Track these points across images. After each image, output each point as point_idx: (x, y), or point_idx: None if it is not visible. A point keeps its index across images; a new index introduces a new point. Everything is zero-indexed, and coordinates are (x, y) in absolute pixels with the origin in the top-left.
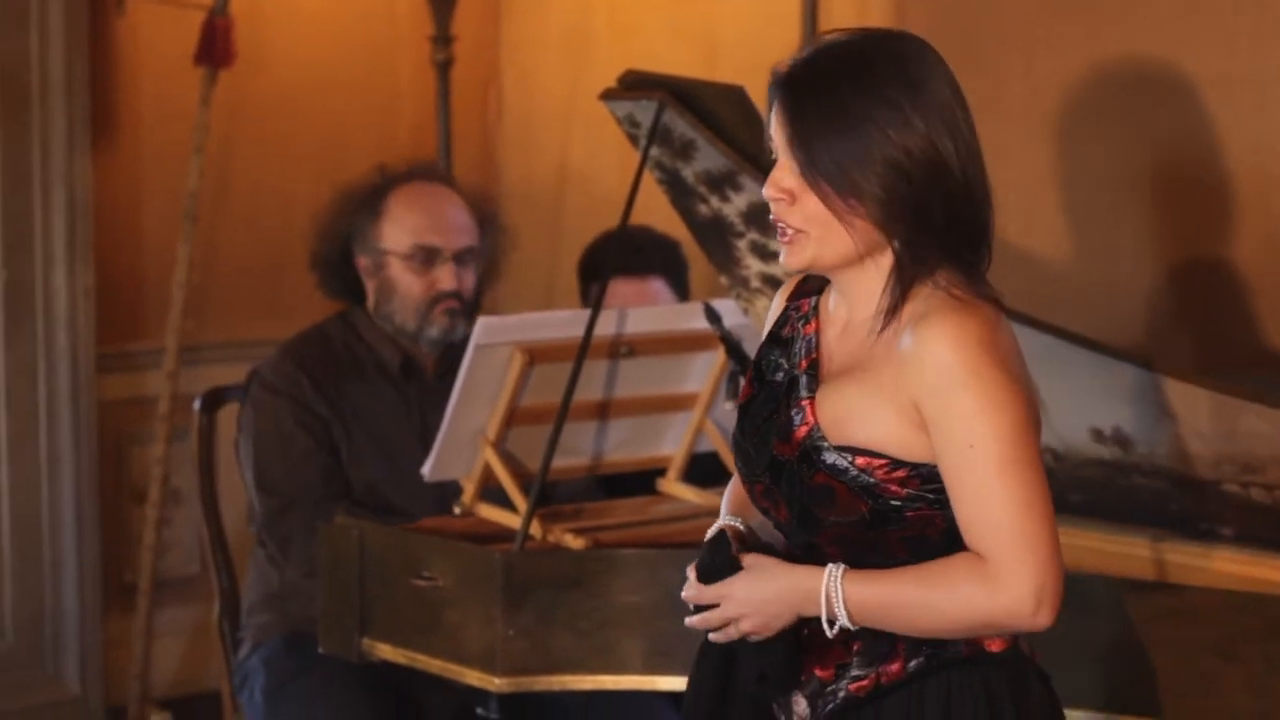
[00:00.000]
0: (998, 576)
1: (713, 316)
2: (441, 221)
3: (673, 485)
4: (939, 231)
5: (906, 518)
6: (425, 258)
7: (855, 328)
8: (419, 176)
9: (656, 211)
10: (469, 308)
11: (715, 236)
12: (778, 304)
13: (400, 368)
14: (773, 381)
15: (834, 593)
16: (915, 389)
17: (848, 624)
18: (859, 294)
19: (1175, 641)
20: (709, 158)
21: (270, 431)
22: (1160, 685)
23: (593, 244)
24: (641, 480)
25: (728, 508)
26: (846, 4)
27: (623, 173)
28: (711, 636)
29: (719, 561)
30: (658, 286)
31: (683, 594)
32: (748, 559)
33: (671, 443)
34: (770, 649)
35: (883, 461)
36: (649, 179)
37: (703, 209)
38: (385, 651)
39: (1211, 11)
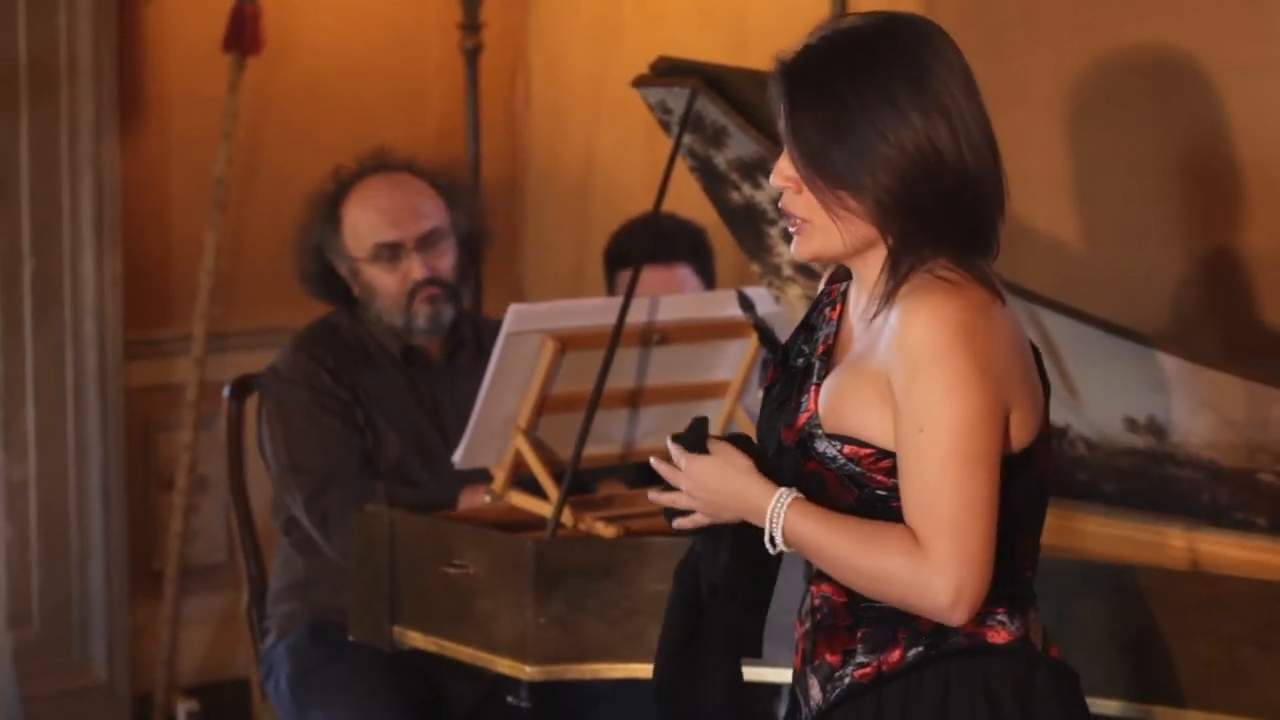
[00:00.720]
0: (924, 564)
1: (746, 304)
2: (395, 214)
3: None
4: (933, 227)
5: (893, 507)
6: (389, 254)
7: (865, 313)
8: (370, 171)
9: (685, 198)
10: (451, 290)
11: (747, 224)
12: (820, 292)
13: (403, 355)
14: (794, 367)
15: (776, 515)
16: (888, 364)
17: (783, 548)
18: (869, 279)
19: (1211, 631)
20: (741, 145)
21: (298, 419)
22: (1196, 675)
23: (617, 232)
24: None
25: None
26: None
27: (650, 160)
28: (666, 516)
29: (689, 439)
30: (684, 274)
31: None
32: (716, 446)
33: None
34: (715, 556)
35: (869, 451)
36: (680, 166)
37: (735, 196)
38: (416, 640)
39: None
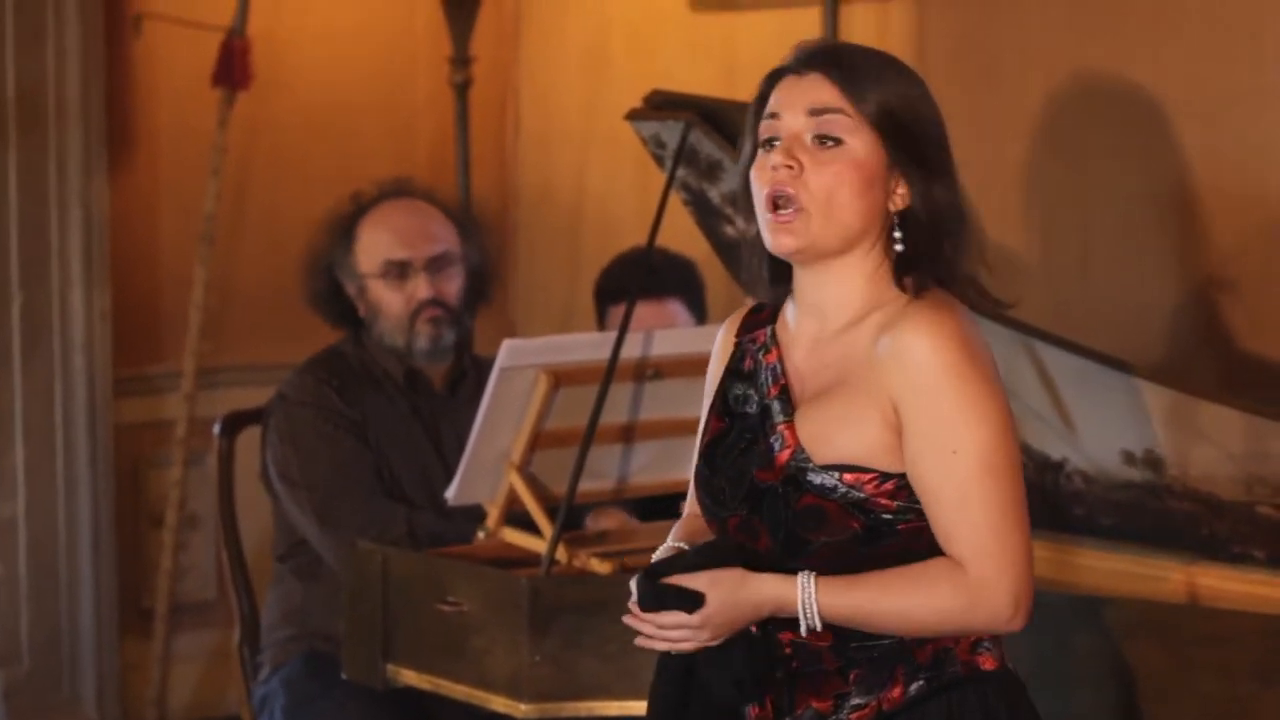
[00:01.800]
0: (979, 585)
1: None
2: (409, 235)
3: None
4: (941, 202)
5: (899, 531)
6: (398, 272)
7: (828, 341)
8: (390, 196)
9: (678, 231)
10: (455, 314)
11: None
12: (725, 340)
13: (405, 381)
14: (744, 414)
15: (809, 606)
16: (894, 389)
17: (816, 626)
18: (834, 297)
19: (1211, 665)
20: (735, 179)
21: (309, 438)
22: (1197, 710)
23: (608, 266)
24: (668, 504)
25: (675, 536)
26: (867, 25)
27: (641, 192)
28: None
29: (672, 598)
30: (675, 308)
31: (649, 630)
32: (708, 582)
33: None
34: (734, 653)
35: (871, 475)
36: (673, 199)
37: (729, 230)
38: (410, 677)
39: (1238, 28)
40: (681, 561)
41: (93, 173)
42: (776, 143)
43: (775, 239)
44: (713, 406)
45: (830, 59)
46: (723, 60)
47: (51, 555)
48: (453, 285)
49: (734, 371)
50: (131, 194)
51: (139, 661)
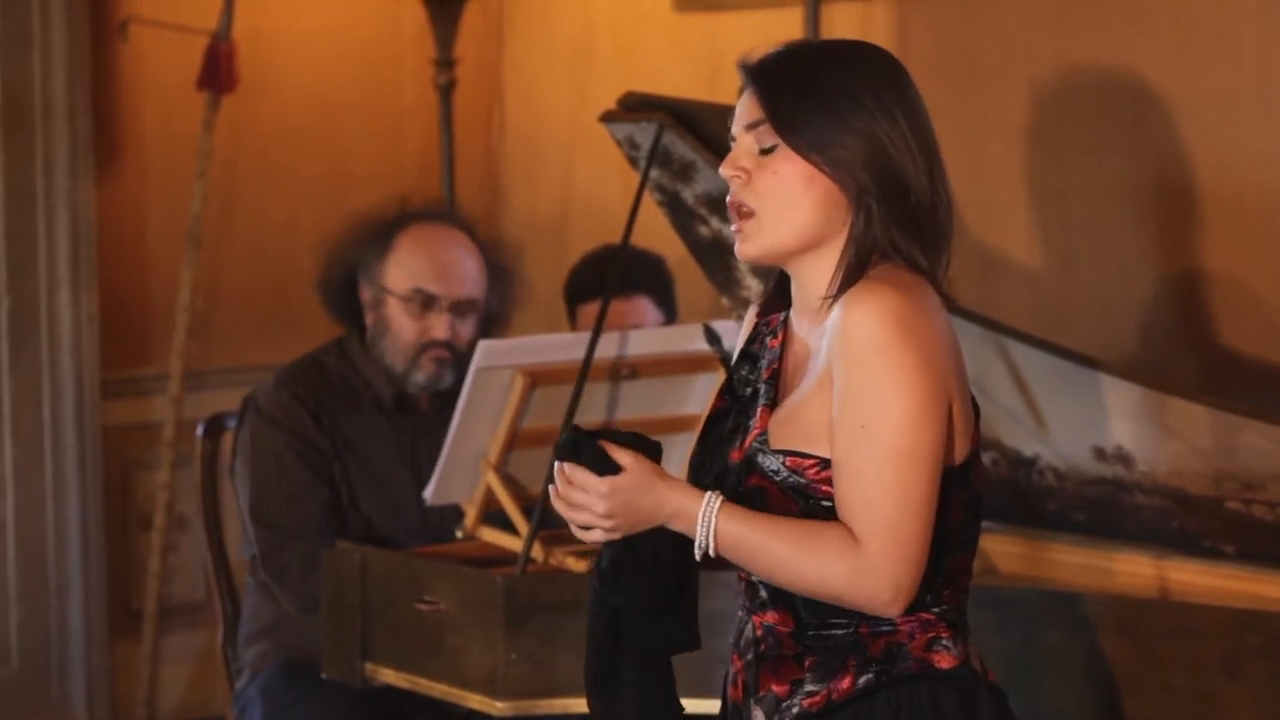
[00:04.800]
0: (864, 562)
1: (712, 338)
2: (445, 269)
3: None
4: (897, 215)
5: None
6: (423, 303)
7: (815, 330)
8: (435, 218)
9: (655, 231)
10: (460, 358)
11: (716, 258)
12: (749, 321)
13: (393, 401)
14: (743, 396)
15: (707, 519)
16: (831, 359)
17: (712, 554)
18: (813, 290)
19: (1179, 659)
20: (709, 179)
21: (269, 464)
22: (1165, 703)
23: (576, 267)
24: None
25: None
26: (849, 25)
27: (627, 194)
28: (574, 530)
29: (588, 457)
30: (644, 305)
31: (557, 483)
32: (627, 458)
33: (674, 464)
34: (634, 565)
35: (812, 461)
36: (649, 200)
37: (703, 230)
38: (388, 676)
39: (1215, 26)
40: (616, 436)
41: (79, 176)
42: None
43: (738, 248)
44: (722, 386)
45: (758, 75)
46: (707, 60)
47: (40, 557)
48: (468, 330)
49: (745, 353)
50: (118, 197)
51: (128, 662)
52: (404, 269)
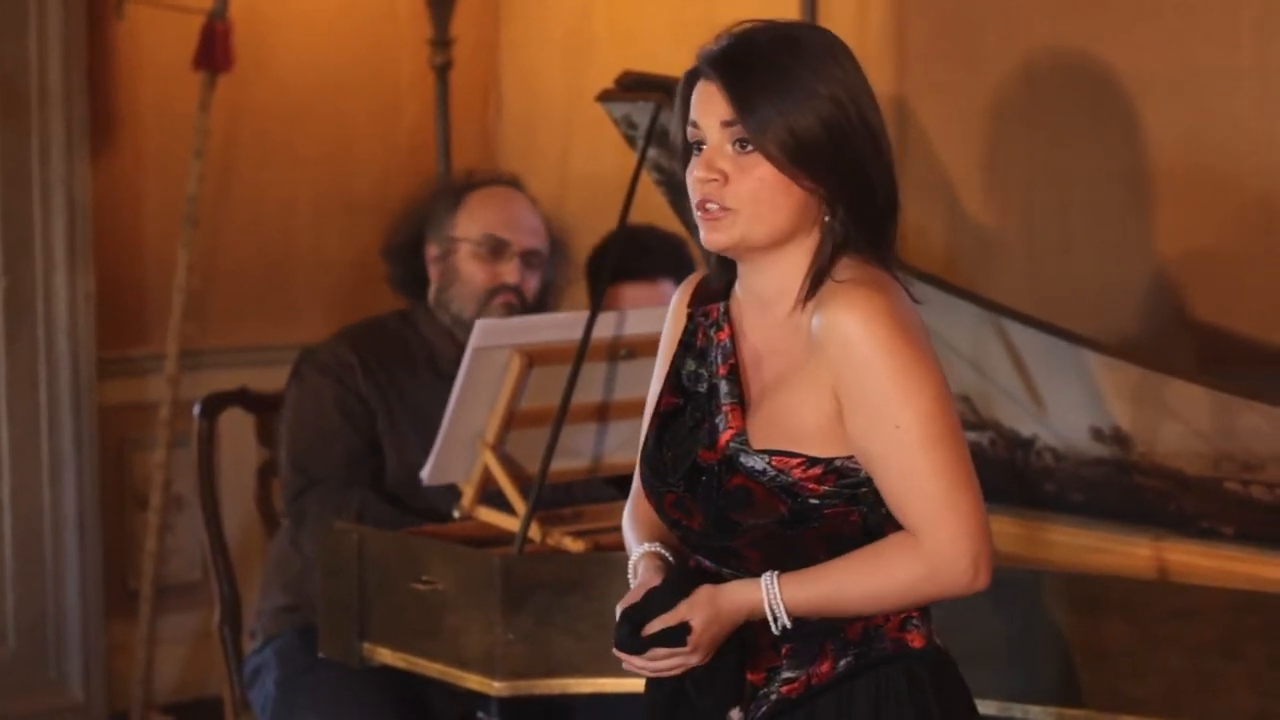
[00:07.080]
0: (936, 553)
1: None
2: (515, 220)
3: None
4: (877, 199)
5: (825, 515)
6: (494, 248)
7: (778, 326)
8: (505, 183)
9: (658, 209)
10: (527, 309)
11: None
12: (677, 310)
13: (453, 363)
14: (697, 392)
15: (774, 603)
16: (832, 370)
17: (789, 626)
18: (776, 284)
19: (1177, 640)
20: None
21: (309, 409)
22: (1164, 684)
23: (601, 244)
24: None
25: (640, 534)
26: (846, 5)
27: (624, 174)
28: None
29: (663, 633)
30: (667, 288)
31: (647, 666)
32: (686, 611)
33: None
34: (723, 665)
35: (799, 460)
36: (646, 180)
37: None
38: (385, 656)
39: (1214, 7)
40: (655, 604)
41: (76, 156)
42: (704, 147)
43: (706, 236)
44: (666, 380)
45: (724, 66)
46: (704, 40)
47: (37, 537)
48: (534, 282)
49: (686, 346)
50: (115, 177)
51: (125, 642)
52: (475, 219)
